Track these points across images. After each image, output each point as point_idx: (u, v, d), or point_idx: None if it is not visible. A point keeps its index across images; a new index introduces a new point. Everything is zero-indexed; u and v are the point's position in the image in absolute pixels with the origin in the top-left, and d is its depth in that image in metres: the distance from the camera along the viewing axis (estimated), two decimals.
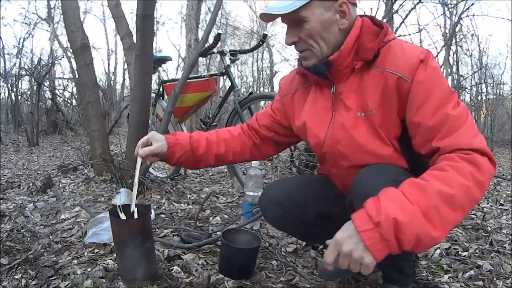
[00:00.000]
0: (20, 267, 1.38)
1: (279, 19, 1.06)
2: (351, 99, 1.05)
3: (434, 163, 0.91)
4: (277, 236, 1.74)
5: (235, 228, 1.53)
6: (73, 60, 7.14)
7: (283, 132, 1.32)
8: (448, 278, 1.39)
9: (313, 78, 1.13)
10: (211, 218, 2.03)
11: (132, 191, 1.28)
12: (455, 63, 8.63)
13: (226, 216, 2.07)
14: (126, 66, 4.44)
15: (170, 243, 1.56)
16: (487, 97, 9.53)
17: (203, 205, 2.05)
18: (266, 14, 1.04)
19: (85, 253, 1.49)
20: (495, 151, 6.92)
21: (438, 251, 1.60)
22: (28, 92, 8.32)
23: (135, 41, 2.53)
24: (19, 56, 8.30)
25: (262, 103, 3.13)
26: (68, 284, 1.24)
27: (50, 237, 1.71)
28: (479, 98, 9.39)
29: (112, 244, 1.46)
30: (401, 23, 4.39)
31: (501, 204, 2.54)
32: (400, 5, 4.15)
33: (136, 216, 1.22)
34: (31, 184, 2.73)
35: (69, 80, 9.53)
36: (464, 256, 1.59)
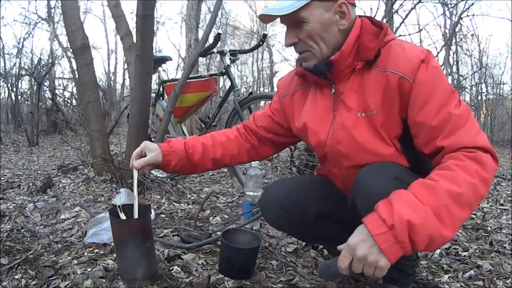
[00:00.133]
0: (20, 267, 1.38)
1: (278, 19, 1.06)
2: (352, 99, 1.05)
3: (439, 162, 0.92)
4: (277, 236, 1.74)
5: (235, 228, 1.53)
6: (73, 60, 7.16)
7: (282, 132, 1.31)
8: (448, 278, 1.39)
9: (313, 79, 1.13)
10: (211, 218, 2.03)
11: (132, 191, 1.28)
12: (455, 63, 8.65)
13: (226, 216, 2.07)
14: (126, 66, 4.44)
15: (170, 243, 1.56)
16: (487, 97, 9.55)
17: (203, 205, 2.05)
18: (265, 15, 1.04)
19: (85, 253, 1.49)
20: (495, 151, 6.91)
21: (438, 251, 1.60)
22: (28, 92, 8.34)
23: (135, 41, 2.52)
24: (19, 56, 8.34)
25: (262, 103, 3.13)
26: (68, 284, 1.24)
27: (50, 237, 1.71)
28: (479, 98, 9.42)
29: (112, 244, 1.46)
30: (401, 23, 4.41)
31: (501, 204, 2.54)
32: (400, 5, 4.17)
33: (136, 216, 1.22)
34: (31, 184, 2.73)
35: (69, 80, 9.57)
36: (464, 256, 1.59)
